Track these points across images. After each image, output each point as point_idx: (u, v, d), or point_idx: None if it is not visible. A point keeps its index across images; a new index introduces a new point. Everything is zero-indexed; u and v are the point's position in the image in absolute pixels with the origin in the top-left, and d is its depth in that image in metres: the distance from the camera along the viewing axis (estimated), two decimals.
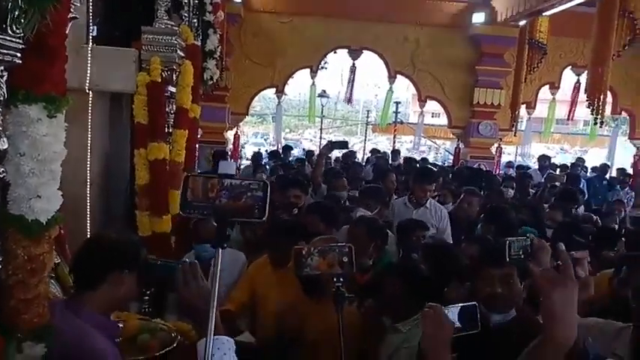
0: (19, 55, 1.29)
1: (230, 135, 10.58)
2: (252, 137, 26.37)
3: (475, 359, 1.63)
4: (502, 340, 1.69)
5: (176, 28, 2.88)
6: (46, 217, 1.27)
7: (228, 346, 1.26)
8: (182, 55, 3.01)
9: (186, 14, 3.12)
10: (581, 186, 8.20)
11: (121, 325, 1.76)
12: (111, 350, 1.52)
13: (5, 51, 1.24)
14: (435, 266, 2.31)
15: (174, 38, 2.84)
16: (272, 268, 2.90)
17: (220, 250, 1.21)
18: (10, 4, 1.17)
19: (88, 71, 2.66)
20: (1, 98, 1.31)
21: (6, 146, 1.31)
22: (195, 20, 3.27)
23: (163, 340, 2.04)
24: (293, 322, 2.28)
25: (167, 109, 3.07)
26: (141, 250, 1.64)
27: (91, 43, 2.71)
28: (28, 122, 1.23)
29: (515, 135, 10.60)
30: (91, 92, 2.75)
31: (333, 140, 7.37)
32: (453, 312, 1.45)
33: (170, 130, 3.14)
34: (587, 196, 8.12)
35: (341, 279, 1.51)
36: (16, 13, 1.18)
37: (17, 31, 1.23)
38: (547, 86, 10.60)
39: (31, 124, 1.23)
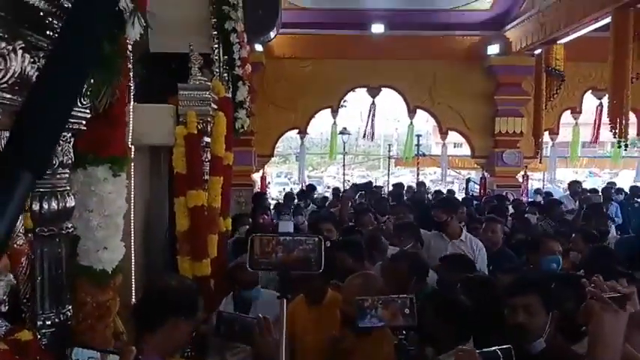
0: (84, 122, 1.47)
1: (256, 176, 10.83)
2: (276, 177, 26.74)
3: None
4: None
5: (209, 84, 3.08)
6: (112, 266, 1.41)
7: None
8: (215, 107, 3.21)
9: (217, 69, 3.33)
10: (613, 210, 8.08)
11: None
12: None
13: (74, 120, 1.42)
14: (477, 299, 2.34)
15: (207, 93, 3.04)
16: (307, 306, 2.97)
17: (284, 301, 1.34)
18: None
19: (131, 127, 2.86)
20: (70, 161, 1.48)
21: (74, 204, 1.47)
22: (225, 74, 3.49)
23: None
24: (336, 358, 2.33)
25: (203, 158, 3.25)
26: (198, 299, 1.76)
27: (132, 102, 2.92)
28: (96, 182, 1.38)
29: (540, 162, 10.55)
30: (132, 147, 2.95)
31: (358, 183, 7.55)
32: (486, 355, 1.49)
33: (206, 178, 3.30)
34: (621, 220, 7.97)
35: (404, 331, 1.60)
36: (86, 89, 1.36)
37: (85, 102, 1.41)
38: (569, 111, 10.60)
39: (99, 184, 1.38)
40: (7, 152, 0.49)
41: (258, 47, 8.12)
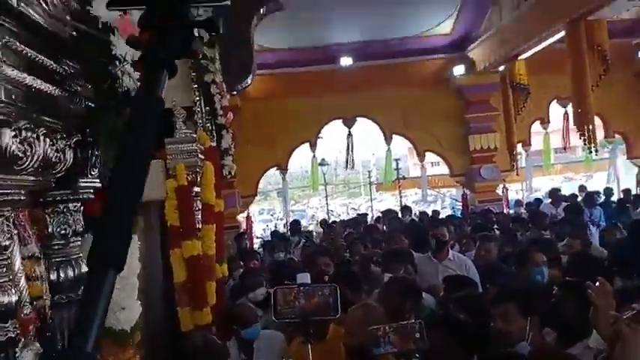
0: (92, 191, 1.55)
1: (241, 217, 10.84)
2: (259, 215, 26.65)
3: None
4: None
5: (194, 135, 3.17)
6: (130, 325, 1.46)
7: None
8: (202, 157, 3.29)
9: (200, 120, 3.44)
10: (597, 213, 8.26)
11: None
12: None
13: (85, 190, 1.50)
14: (473, 316, 2.43)
15: (194, 145, 3.13)
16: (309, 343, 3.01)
17: (309, 346, 1.44)
18: (88, 154, 1.44)
19: None
20: (81, 229, 1.55)
21: None
22: (208, 124, 3.60)
23: None
24: None
25: (194, 208, 3.31)
26: (222, 353, 1.80)
27: None
28: None
29: (517, 174, 10.85)
30: None
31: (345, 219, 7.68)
32: None
33: (199, 227, 3.36)
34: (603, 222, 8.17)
35: (417, 355, 1.70)
36: (93, 160, 1.45)
37: (94, 173, 1.49)
38: (538, 122, 10.99)
39: None
40: (94, 254, 0.61)
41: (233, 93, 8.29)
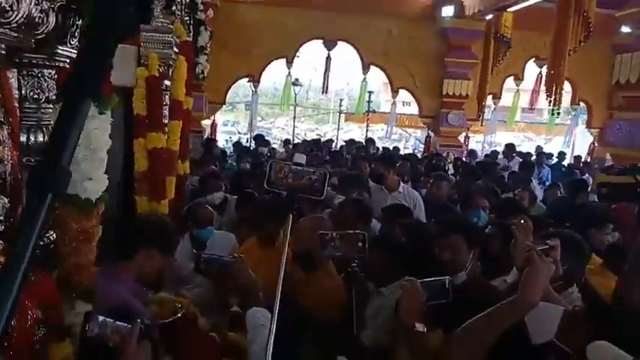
0: (68, 61, 1.55)
1: (206, 123, 10.74)
2: (223, 125, 26.28)
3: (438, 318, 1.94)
4: (456, 300, 2.03)
5: (171, 27, 3.09)
6: (96, 195, 1.54)
7: (267, 316, 1.61)
8: (176, 51, 3.24)
9: (178, 12, 3.33)
10: (545, 173, 8.78)
11: (150, 295, 2.03)
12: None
13: (62, 59, 1.50)
14: (413, 241, 2.65)
15: (169, 36, 3.06)
16: (260, 247, 3.19)
17: (291, 216, 1.59)
18: (69, 21, 1.43)
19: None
20: (54, 97, 1.57)
21: None
22: (187, 18, 3.49)
23: (170, 310, 2.33)
24: (288, 290, 2.58)
25: (163, 102, 3.30)
26: (174, 238, 1.92)
27: None
28: None
29: (482, 124, 11.13)
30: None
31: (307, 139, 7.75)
32: (426, 284, 1.78)
33: (166, 121, 3.37)
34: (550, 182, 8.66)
35: (356, 260, 1.87)
36: (73, 29, 1.44)
37: (72, 42, 1.49)
38: (512, 77, 11.14)
39: (86, 120, 1.48)
40: (71, 82, 0.66)
41: None
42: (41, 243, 1.55)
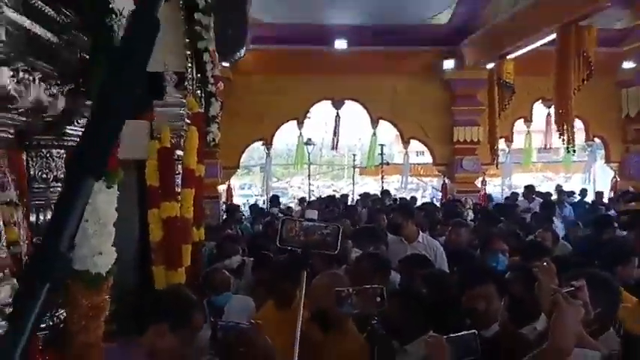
0: (77, 140, 1.62)
1: (221, 188, 10.88)
2: (239, 189, 26.54)
3: None
4: (490, 352, 1.94)
5: (183, 101, 3.22)
6: (106, 269, 1.55)
7: None
8: (188, 122, 3.35)
9: (190, 87, 3.47)
10: (567, 212, 8.60)
11: None
12: None
13: (70, 138, 1.57)
14: (434, 292, 2.57)
15: (181, 109, 3.19)
16: (276, 310, 3.12)
17: (305, 273, 1.57)
18: (79, 103, 1.50)
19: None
20: (62, 176, 1.62)
21: None
22: (198, 91, 3.63)
23: None
24: (307, 353, 2.50)
25: (175, 171, 3.37)
26: (190, 311, 1.86)
27: None
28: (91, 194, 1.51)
29: (497, 168, 11.08)
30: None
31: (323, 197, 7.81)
32: (452, 340, 1.71)
33: (178, 190, 3.43)
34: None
35: (376, 318, 1.82)
36: (84, 110, 1.51)
37: (81, 122, 1.56)
38: (522, 120, 11.19)
39: (93, 195, 1.52)
40: (74, 161, 0.64)
41: (225, 63, 8.26)
42: (51, 323, 1.55)
